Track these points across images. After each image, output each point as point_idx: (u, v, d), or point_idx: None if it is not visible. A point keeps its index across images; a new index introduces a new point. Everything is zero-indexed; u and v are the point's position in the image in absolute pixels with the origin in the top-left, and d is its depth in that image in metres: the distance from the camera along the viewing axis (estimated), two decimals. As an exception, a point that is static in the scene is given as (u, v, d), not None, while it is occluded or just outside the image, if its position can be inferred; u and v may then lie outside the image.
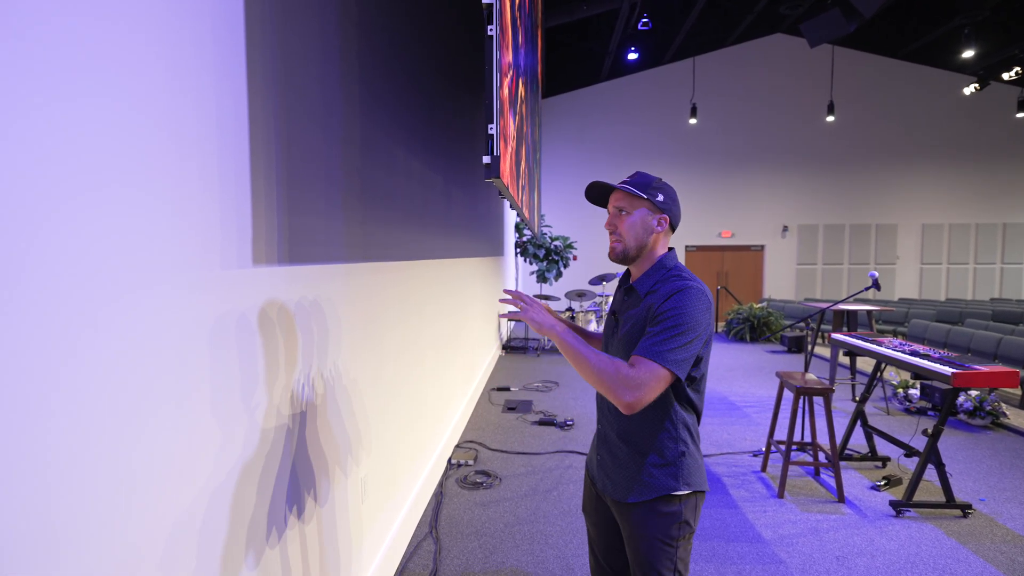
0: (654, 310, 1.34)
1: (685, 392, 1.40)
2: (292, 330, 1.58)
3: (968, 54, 8.89)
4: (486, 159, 1.55)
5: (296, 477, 1.60)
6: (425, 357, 3.35)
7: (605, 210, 1.60)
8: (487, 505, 3.24)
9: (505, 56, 1.79)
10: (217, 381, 1.21)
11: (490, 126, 1.55)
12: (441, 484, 3.50)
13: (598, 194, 1.50)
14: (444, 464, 3.76)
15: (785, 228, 13.39)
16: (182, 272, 1.10)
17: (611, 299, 1.52)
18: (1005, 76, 10.00)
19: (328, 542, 1.84)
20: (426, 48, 3.24)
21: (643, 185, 1.42)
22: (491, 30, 1.50)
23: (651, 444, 1.40)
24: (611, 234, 1.46)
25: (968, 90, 10.68)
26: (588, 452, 1.66)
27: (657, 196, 1.42)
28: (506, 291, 1.49)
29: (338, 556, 1.92)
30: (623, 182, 1.44)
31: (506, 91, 1.92)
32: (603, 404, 1.53)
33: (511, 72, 2.05)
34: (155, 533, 1.02)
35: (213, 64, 1.20)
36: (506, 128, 1.89)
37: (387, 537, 2.50)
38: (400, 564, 2.61)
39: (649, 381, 1.26)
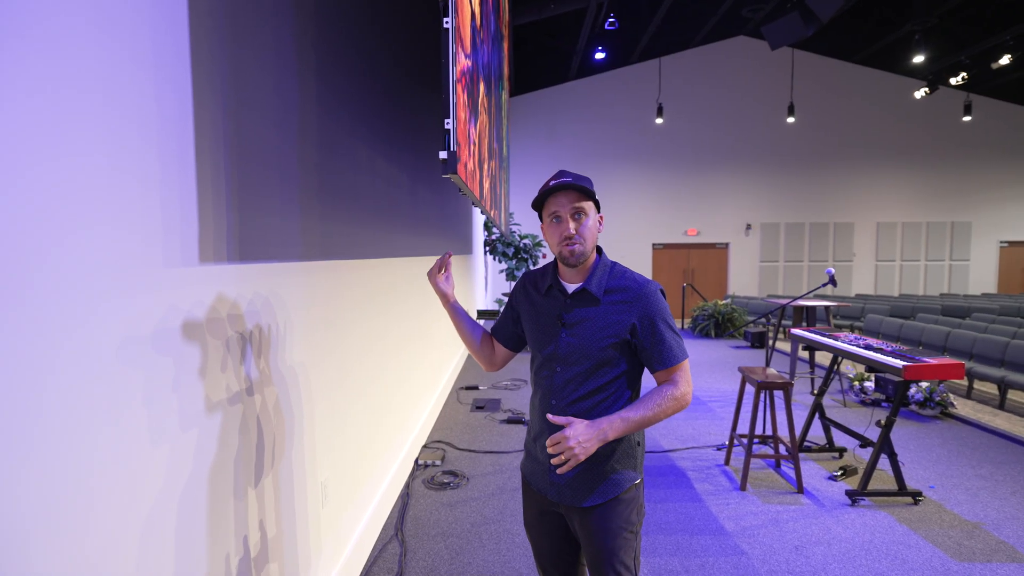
0: (645, 313, 1.37)
1: (639, 378, 1.46)
2: (243, 330, 1.52)
3: (919, 59, 9.25)
4: (443, 154, 1.52)
5: (247, 483, 1.54)
6: (390, 357, 3.30)
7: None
8: (454, 505, 3.21)
9: (463, 50, 1.77)
10: (157, 384, 1.16)
11: (447, 121, 1.53)
12: (408, 485, 3.46)
13: (544, 197, 1.40)
14: (411, 465, 3.71)
15: (748, 226, 13.72)
16: (120, 269, 1.04)
17: (524, 302, 1.52)
18: (952, 81, 10.45)
19: (287, 548, 1.79)
20: (389, 44, 3.19)
21: (590, 184, 1.38)
22: (447, 23, 1.48)
23: (616, 441, 1.40)
24: (568, 237, 1.37)
25: (919, 94, 11.12)
26: (524, 466, 1.56)
27: (595, 195, 1.41)
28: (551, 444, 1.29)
29: (296, 563, 1.86)
30: (576, 180, 1.36)
31: (464, 87, 1.90)
32: (560, 411, 1.41)
33: (471, 66, 2.03)
34: (88, 556, 0.97)
35: (152, 55, 1.14)
36: (465, 124, 1.87)
37: (350, 541, 2.45)
38: (364, 568, 2.57)
39: (689, 379, 1.39)
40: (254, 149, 1.57)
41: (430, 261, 4.77)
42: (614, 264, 1.46)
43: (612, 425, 1.30)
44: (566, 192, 1.37)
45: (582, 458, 1.26)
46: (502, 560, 2.65)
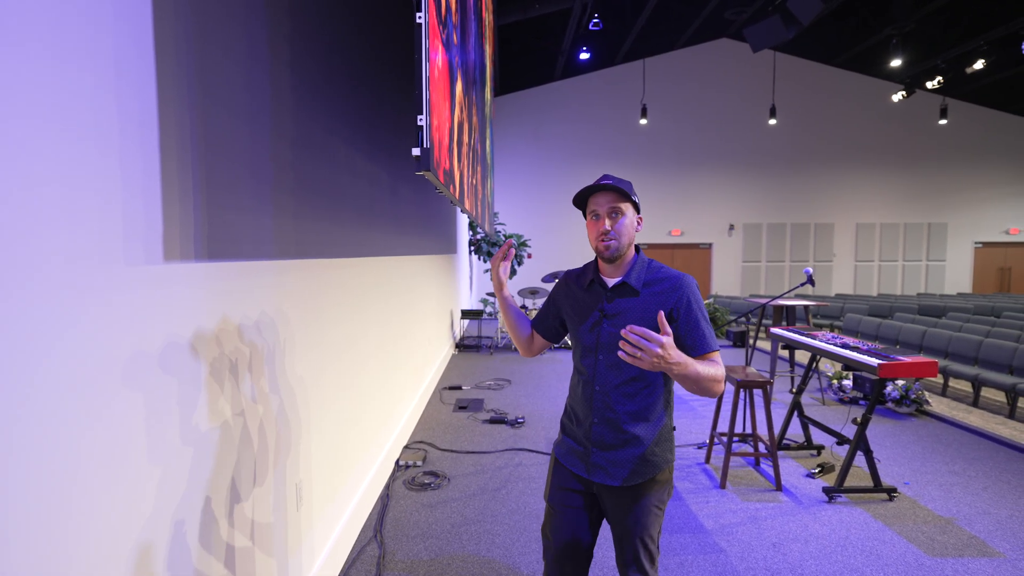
0: (684, 302, 1.48)
1: None
2: (212, 328, 1.49)
3: (896, 63, 9.42)
4: (416, 151, 1.50)
5: (213, 484, 1.51)
6: (371, 356, 3.26)
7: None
8: (434, 506, 3.19)
9: (437, 45, 1.75)
10: (114, 383, 1.12)
11: (419, 117, 1.51)
12: (388, 487, 3.43)
13: (587, 195, 1.52)
14: (392, 466, 3.68)
15: (731, 227, 13.86)
16: (77, 267, 1.01)
17: (566, 297, 1.60)
18: (929, 85, 10.66)
19: (258, 552, 1.75)
20: (370, 41, 3.16)
21: (629, 188, 1.52)
22: (420, 17, 1.46)
23: (656, 425, 1.54)
24: (604, 233, 1.49)
25: (896, 97, 11.32)
26: (560, 448, 1.66)
27: (636, 199, 1.55)
28: (631, 330, 1.29)
29: (270, 568, 1.83)
30: (615, 183, 1.49)
31: (439, 84, 1.88)
32: (601, 398, 1.53)
33: (447, 63, 2.01)
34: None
35: (112, 48, 1.11)
36: (442, 121, 1.85)
37: (327, 544, 2.42)
38: (341, 571, 2.54)
39: (723, 369, 1.45)
40: (223, 144, 1.53)
41: (412, 260, 4.74)
42: (651, 261, 1.58)
43: (686, 362, 1.32)
44: (605, 193, 1.50)
45: (648, 365, 1.27)
46: (482, 561, 2.64)
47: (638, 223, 1.55)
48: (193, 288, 1.40)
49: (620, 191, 1.48)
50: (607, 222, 1.49)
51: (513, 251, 1.61)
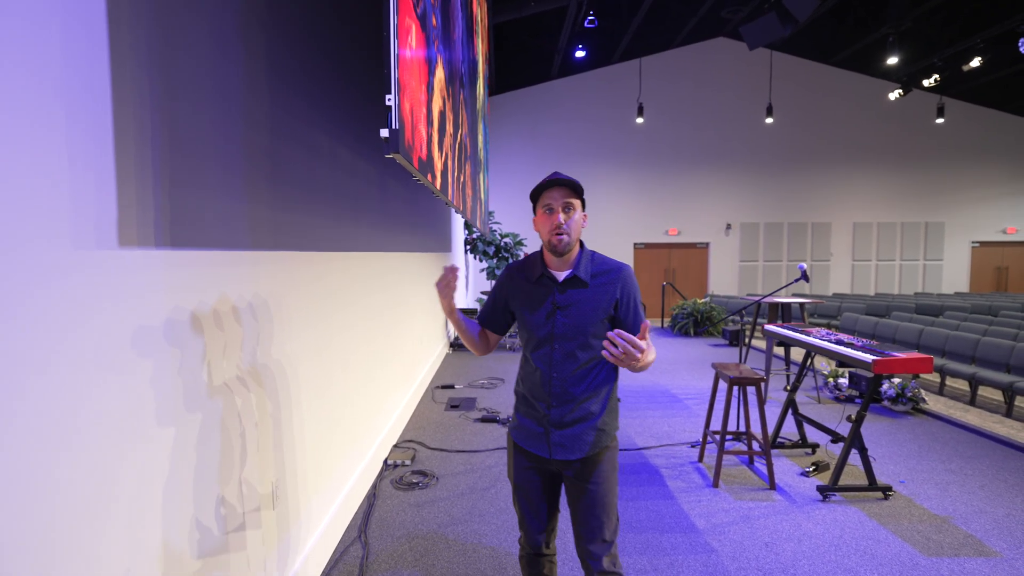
0: (626, 291, 1.64)
1: None
2: (176, 319, 1.43)
3: (892, 61, 9.39)
4: (384, 132, 1.45)
5: (181, 482, 1.45)
6: (354, 353, 3.20)
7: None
8: (422, 506, 3.13)
9: (410, 24, 1.69)
10: (65, 372, 1.07)
11: (388, 97, 1.45)
12: (375, 486, 3.37)
13: (542, 190, 1.60)
14: (380, 465, 3.62)
15: (728, 226, 13.82)
16: (14, 250, 0.95)
17: (514, 291, 1.70)
18: (925, 83, 10.63)
19: (232, 552, 1.69)
20: (354, 33, 3.10)
21: (579, 185, 1.61)
22: (388, -8, 1.40)
23: (606, 398, 1.67)
24: (558, 226, 1.57)
25: (893, 95, 11.29)
26: (519, 432, 1.74)
27: (584, 198, 1.64)
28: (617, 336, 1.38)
29: (239, 566, 1.77)
30: (568, 179, 1.57)
31: (415, 63, 1.82)
32: (559, 384, 1.63)
33: (422, 41, 1.95)
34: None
35: (59, 26, 1.05)
36: (415, 104, 1.79)
37: (307, 544, 2.35)
38: (323, 571, 2.47)
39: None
40: (188, 128, 1.48)
41: (401, 257, 4.68)
42: (593, 252, 1.70)
43: (648, 358, 1.46)
44: (559, 187, 1.58)
45: (626, 364, 1.39)
46: (468, 561, 2.58)
47: (584, 220, 1.65)
48: (153, 277, 1.34)
49: (573, 187, 1.57)
50: (561, 216, 1.57)
51: (456, 279, 1.65)
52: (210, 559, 1.58)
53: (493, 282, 12.81)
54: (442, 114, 2.46)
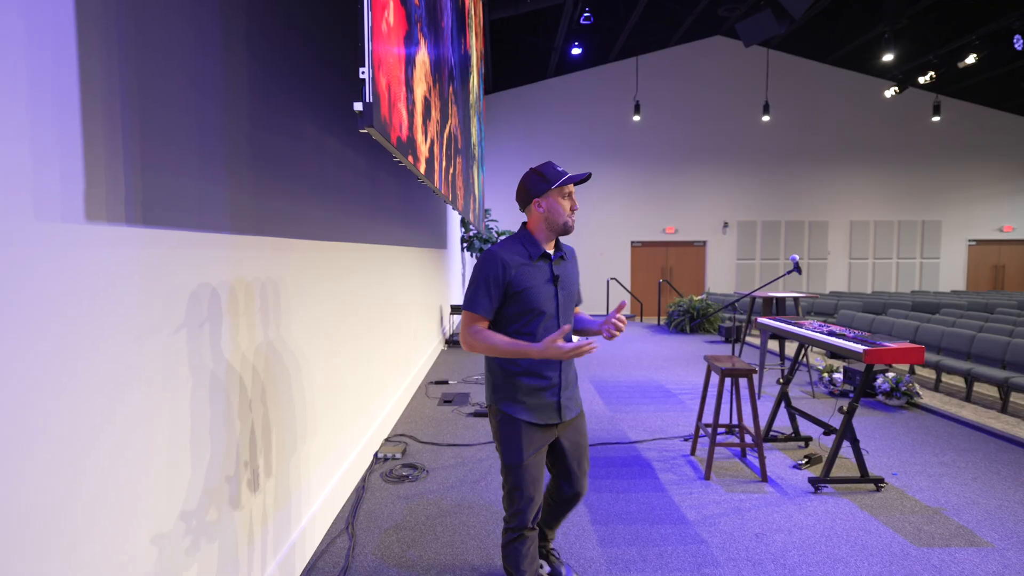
0: (577, 266, 2.05)
1: None
2: (147, 301, 1.40)
3: (888, 58, 9.39)
4: (357, 106, 1.42)
5: (156, 467, 1.42)
6: (343, 344, 3.18)
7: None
8: (410, 498, 3.11)
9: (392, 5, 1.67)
10: (24, 352, 1.04)
11: (361, 70, 1.43)
12: (364, 479, 3.34)
13: (567, 181, 1.86)
14: (370, 458, 3.60)
15: (726, 224, 13.81)
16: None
17: (518, 274, 1.78)
18: (921, 80, 10.62)
19: (217, 543, 1.67)
20: (342, 20, 3.08)
21: None
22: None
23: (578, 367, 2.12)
24: (572, 212, 1.88)
25: (889, 93, 11.28)
26: (527, 414, 1.88)
27: None
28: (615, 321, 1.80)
29: (236, 559, 1.75)
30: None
31: (394, 36, 1.80)
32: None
33: (402, 18, 1.93)
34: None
35: (20, -20, 1.03)
36: (393, 83, 1.77)
37: (292, 534, 2.33)
38: (309, 562, 2.45)
39: None
40: (163, 103, 1.45)
41: (397, 252, 4.66)
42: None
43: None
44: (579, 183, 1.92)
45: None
46: (455, 552, 2.56)
47: None
48: (124, 249, 1.32)
49: (581, 183, 1.90)
50: (576, 203, 1.90)
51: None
52: (192, 550, 1.55)
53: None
54: (426, 100, 2.44)
